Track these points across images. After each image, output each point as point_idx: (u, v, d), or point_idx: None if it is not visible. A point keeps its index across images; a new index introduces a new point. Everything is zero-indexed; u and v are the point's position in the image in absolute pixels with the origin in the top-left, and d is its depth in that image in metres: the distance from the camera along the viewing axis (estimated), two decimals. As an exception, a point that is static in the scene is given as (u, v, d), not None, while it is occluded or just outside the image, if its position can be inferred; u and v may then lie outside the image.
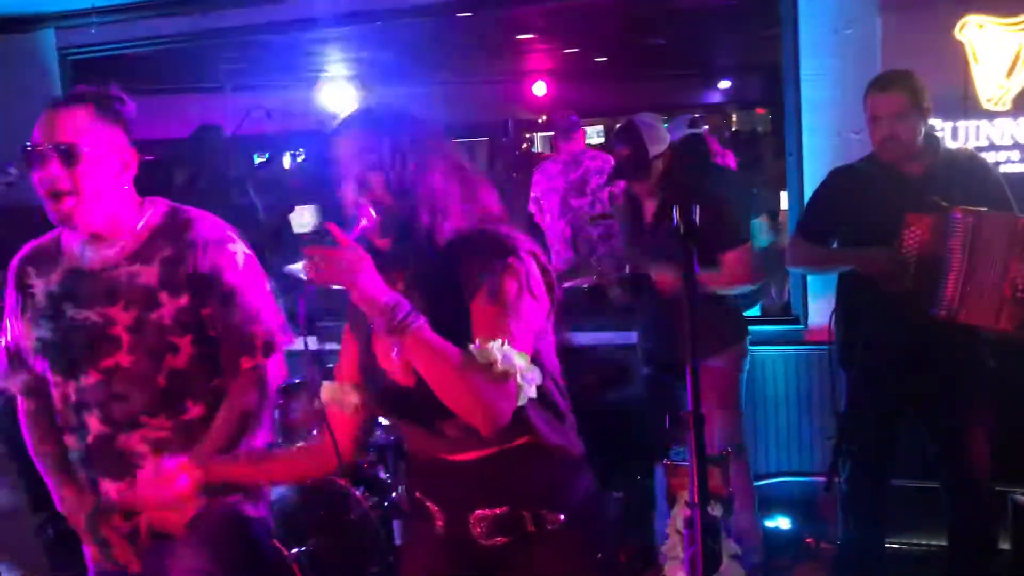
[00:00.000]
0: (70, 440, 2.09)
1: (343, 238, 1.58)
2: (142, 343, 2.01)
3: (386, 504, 3.29)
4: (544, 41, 8.13)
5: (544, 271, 1.71)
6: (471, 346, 1.56)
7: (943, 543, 3.29)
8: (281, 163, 10.17)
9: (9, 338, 2.17)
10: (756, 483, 3.84)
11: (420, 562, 1.89)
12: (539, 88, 8.96)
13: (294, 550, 3.01)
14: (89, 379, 2.03)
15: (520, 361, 1.55)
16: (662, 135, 3.41)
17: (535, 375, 1.58)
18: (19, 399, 2.21)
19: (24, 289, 2.12)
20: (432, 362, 1.58)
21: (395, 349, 1.61)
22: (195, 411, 2.06)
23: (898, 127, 2.96)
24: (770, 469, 4.21)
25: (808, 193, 3.90)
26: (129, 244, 2.06)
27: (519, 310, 1.61)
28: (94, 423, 2.03)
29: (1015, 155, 3.76)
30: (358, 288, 1.56)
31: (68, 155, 1.94)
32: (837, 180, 3.20)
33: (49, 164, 1.94)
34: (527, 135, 11.67)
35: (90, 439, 2.05)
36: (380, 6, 4.81)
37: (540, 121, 11.55)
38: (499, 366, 1.54)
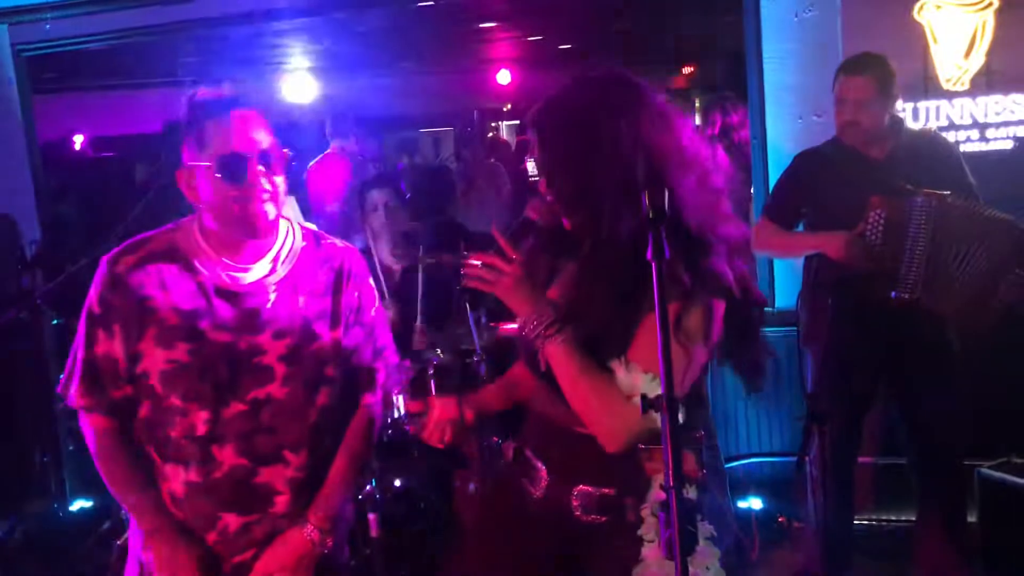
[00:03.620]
0: (180, 471, 1.89)
1: (509, 250, 1.64)
2: (299, 375, 1.90)
3: (360, 497, 3.28)
4: (507, 29, 8.10)
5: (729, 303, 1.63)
6: (620, 369, 1.57)
7: (912, 518, 3.35)
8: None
9: (95, 352, 1.88)
10: (727, 464, 3.87)
11: (507, 522, 1.88)
12: (503, 76, 8.94)
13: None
14: (231, 410, 1.86)
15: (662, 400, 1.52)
16: None
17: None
18: (92, 421, 1.93)
19: (139, 300, 1.86)
20: (566, 374, 1.62)
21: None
22: (329, 447, 1.98)
23: (861, 112, 2.99)
24: (740, 450, 4.25)
25: (772, 176, 3.93)
26: (274, 266, 1.93)
27: (692, 352, 1.58)
28: (228, 456, 1.87)
29: (974, 134, 3.82)
30: (509, 301, 1.65)
31: (274, 162, 1.85)
32: (802, 163, 3.23)
33: (261, 171, 1.82)
34: (492, 124, 11.64)
35: (219, 473, 1.88)
36: (341, -4, 4.78)
37: (505, 110, 11.53)
38: (636, 400, 1.50)
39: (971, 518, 3.22)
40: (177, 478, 1.90)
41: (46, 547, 4.24)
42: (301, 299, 1.93)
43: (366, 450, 2.05)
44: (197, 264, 1.89)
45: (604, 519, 1.72)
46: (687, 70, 11.06)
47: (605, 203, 1.58)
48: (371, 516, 3.25)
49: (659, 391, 1.44)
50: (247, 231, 1.86)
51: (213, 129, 1.81)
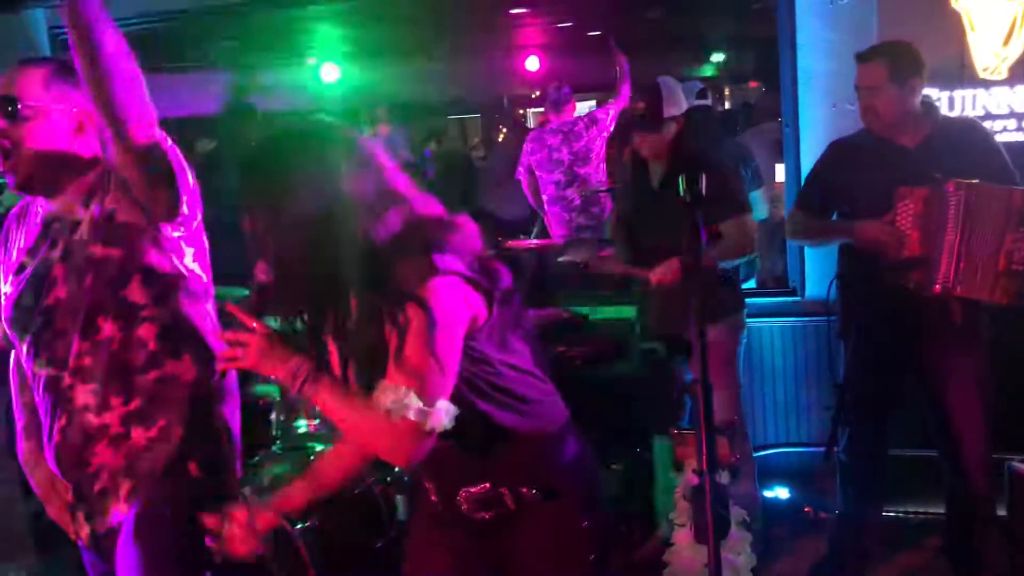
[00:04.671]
0: (32, 395, 2.08)
1: (248, 321, 1.72)
2: (72, 269, 1.97)
3: (389, 479, 3.31)
4: (537, 15, 8.06)
5: (474, 281, 1.68)
6: (375, 391, 1.63)
7: (941, 511, 3.33)
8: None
9: None
10: (755, 454, 3.87)
11: (423, 533, 1.99)
12: (532, 63, 8.89)
13: (298, 526, 3.02)
14: (35, 325, 1.99)
15: (417, 405, 1.59)
16: (679, 100, 3.44)
17: (439, 415, 1.61)
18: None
19: (7, 243, 2.11)
20: (336, 415, 1.71)
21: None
22: (107, 329, 1.97)
23: (874, 99, 2.99)
24: (768, 440, 4.24)
25: (804, 165, 3.91)
26: (82, 200, 2.02)
27: (426, 351, 1.61)
28: (41, 369, 2.00)
29: (1011, 124, 3.77)
30: (262, 370, 1.73)
31: (8, 109, 1.93)
32: (835, 152, 3.21)
33: None
34: (520, 111, 11.61)
35: (39, 387, 2.01)
36: (373, -19, 4.79)
37: (533, 96, 11.47)
38: (393, 416, 1.59)
39: (1000, 511, 3.19)
40: (34, 405, 2.07)
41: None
42: (82, 210, 1.99)
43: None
44: (41, 206, 2.06)
45: (495, 513, 1.81)
46: (716, 58, 10.98)
47: (322, 250, 1.64)
48: (398, 498, 3.29)
49: (410, 400, 1.58)
50: (9, 179, 1.98)
51: None
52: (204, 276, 2.12)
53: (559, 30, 8.80)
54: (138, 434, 1.99)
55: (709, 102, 4.70)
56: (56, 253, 1.99)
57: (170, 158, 1.91)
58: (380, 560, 3.25)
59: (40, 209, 2.08)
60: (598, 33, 8.59)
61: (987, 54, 3.76)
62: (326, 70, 7.86)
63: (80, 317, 1.96)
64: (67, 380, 1.98)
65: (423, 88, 9.54)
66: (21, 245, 2.07)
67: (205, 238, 2.12)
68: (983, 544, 3.12)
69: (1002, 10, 3.72)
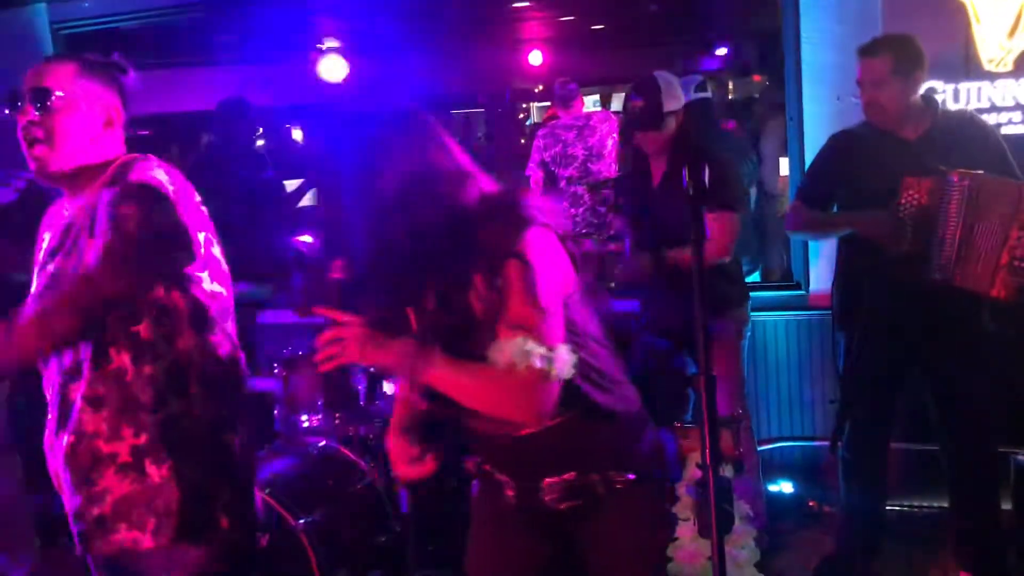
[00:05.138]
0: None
1: (339, 317, 1.68)
2: (35, 294, 1.97)
3: (392, 474, 3.31)
4: (540, 9, 8.05)
5: (561, 238, 1.69)
6: (492, 352, 1.58)
7: (944, 505, 3.32)
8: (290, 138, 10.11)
9: None
10: (759, 448, 3.87)
11: (491, 530, 1.94)
12: (535, 57, 8.88)
13: (301, 521, 3.02)
14: None
15: (540, 351, 1.55)
16: (677, 94, 3.40)
17: (563, 358, 1.58)
18: None
19: (39, 244, 2.13)
20: (455, 388, 1.64)
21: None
22: (119, 360, 1.96)
23: (878, 93, 2.99)
24: (772, 434, 4.23)
25: (808, 158, 3.90)
26: (82, 203, 2.00)
27: (533, 300, 1.59)
28: (52, 374, 2.02)
29: (1016, 116, 3.75)
30: (367, 360, 1.68)
31: (42, 100, 1.95)
32: (836, 145, 3.20)
33: (24, 108, 1.95)
34: (523, 105, 11.60)
35: (48, 386, 2.04)
36: (375, -25, 4.77)
37: (536, 91, 11.46)
38: (519, 367, 1.55)
39: (1005, 505, 3.18)
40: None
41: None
42: (84, 216, 1.99)
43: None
44: (67, 207, 2.07)
45: (580, 502, 1.77)
46: (720, 51, 10.95)
47: (416, 217, 1.64)
48: (402, 492, 3.29)
49: (531, 347, 1.54)
50: (33, 165, 1.99)
51: None
52: (224, 291, 2.10)
53: (562, 24, 8.80)
54: (152, 470, 1.97)
55: (709, 95, 4.68)
56: (70, 264, 1.97)
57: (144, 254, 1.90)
58: (384, 556, 3.25)
59: (66, 212, 2.07)
60: (600, 27, 8.59)
61: (992, 46, 3.74)
62: (329, 65, 7.85)
63: (89, 340, 1.95)
64: (79, 403, 1.97)
65: (426, 81, 9.54)
66: (46, 245, 2.08)
67: (214, 248, 2.10)
68: (988, 538, 3.11)
69: (1007, 2, 3.70)
